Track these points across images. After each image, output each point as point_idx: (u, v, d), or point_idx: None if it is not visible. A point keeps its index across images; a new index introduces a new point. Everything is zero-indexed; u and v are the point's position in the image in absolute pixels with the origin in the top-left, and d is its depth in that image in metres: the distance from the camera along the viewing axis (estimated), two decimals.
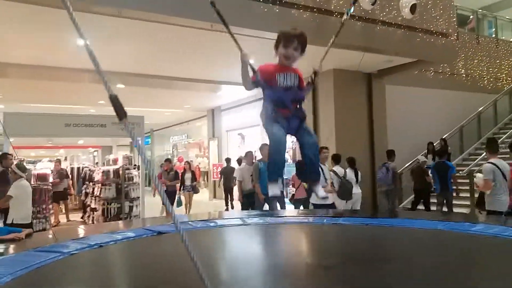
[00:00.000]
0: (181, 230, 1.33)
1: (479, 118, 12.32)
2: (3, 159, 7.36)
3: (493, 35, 14.30)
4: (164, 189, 9.85)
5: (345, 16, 2.81)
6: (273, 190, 2.28)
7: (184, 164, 11.71)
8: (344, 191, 7.11)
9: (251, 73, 2.38)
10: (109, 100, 1.16)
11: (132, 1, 5.37)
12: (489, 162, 5.26)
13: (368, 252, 2.96)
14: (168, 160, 10.94)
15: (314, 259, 2.40)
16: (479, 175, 5.40)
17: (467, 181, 9.03)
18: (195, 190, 11.20)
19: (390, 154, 9.05)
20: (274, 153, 2.27)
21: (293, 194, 8.02)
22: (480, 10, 14.38)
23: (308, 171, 2.39)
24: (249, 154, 8.38)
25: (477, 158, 10.34)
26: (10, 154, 7.44)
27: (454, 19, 9.25)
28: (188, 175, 10.95)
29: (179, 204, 10.76)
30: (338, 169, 7.38)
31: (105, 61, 8.16)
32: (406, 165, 10.25)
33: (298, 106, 2.37)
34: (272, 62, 2.44)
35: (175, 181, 10.35)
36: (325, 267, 2.46)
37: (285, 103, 2.32)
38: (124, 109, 1.16)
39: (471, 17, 13.91)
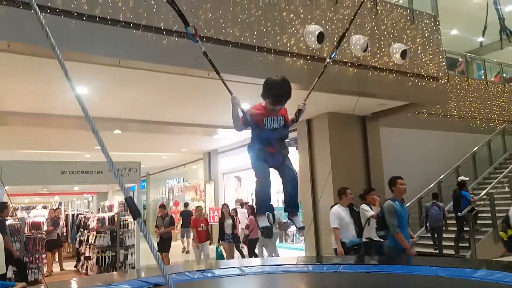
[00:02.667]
0: (170, 283, 1.32)
1: (474, 158, 12.40)
2: (4, 209, 7.29)
3: (482, 77, 14.70)
4: (159, 236, 9.66)
5: (328, 60, 3.04)
6: (263, 222, 2.42)
7: (222, 207, 9.74)
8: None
9: (241, 115, 2.60)
10: (124, 200, 1.24)
11: (132, 51, 5.50)
12: None
13: None
14: (162, 206, 10.65)
15: None
16: None
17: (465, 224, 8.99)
18: (235, 240, 9.39)
19: (436, 195, 9.94)
20: (260, 188, 2.45)
21: (248, 235, 9.35)
22: (468, 54, 14.85)
23: (287, 203, 2.57)
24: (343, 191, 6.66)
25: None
26: (7, 203, 7.38)
27: (444, 63, 9.52)
28: (228, 222, 9.30)
29: (220, 257, 9.39)
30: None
31: (102, 108, 8.33)
32: (406, 205, 10.17)
33: (282, 144, 2.62)
34: (261, 103, 2.65)
35: (170, 227, 9.96)
36: None
37: (271, 143, 2.56)
38: (138, 209, 1.25)
39: (460, 60, 14.35)
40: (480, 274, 3.39)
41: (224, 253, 9.50)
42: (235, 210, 10.77)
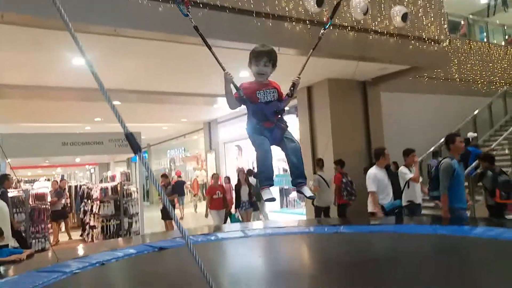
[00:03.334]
0: (190, 243, 1.35)
1: (475, 121, 12.39)
2: (5, 180, 7.36)
3: (485, 40, 14.47)
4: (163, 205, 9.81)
5: (322, 31, 2.93)
6: (267, 195, 2.40)
7: (238, 173, 9.28)
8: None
9: (234, 91, 2.56)
10: (125, 136, 1.25)
11: (128, 20, 5.41)
12: None
13: (372, 260, 2.96)
14: (164, 176, 10.77)
15: (317, 269, 2.41)
16: None
17: (466, 184, 9.04)
18: (254, 207, 9.04)
19: (436, 153, 10.40)
20: (262, 162, 2.43)
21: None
22: (471, 16, 14.57)
23: (293, 175, 2.52)
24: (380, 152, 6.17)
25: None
26: (9, 175, 7.44)
27: (445, 25, 9.35)
28: (244, 189, 8.94)
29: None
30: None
31: (101, 79, 8.26)
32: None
33: (279, 117, 2.57)
34: (251, 81, 2.62)
35: (173, 196, 10.12)
36: (328, 274, 2.46)
37: (267, 116, 2.51)
38: (139, 144, 1.24)
39: (462, 22, 14.09)
40: (478, 231, 3.46)
41: (241, 220, 9.03)
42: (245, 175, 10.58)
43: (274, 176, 2.46)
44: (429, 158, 10.69)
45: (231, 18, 6.12)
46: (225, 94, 2.59)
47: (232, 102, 2.57)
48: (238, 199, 8.94)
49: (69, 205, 11.18)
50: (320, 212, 8.52)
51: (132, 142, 1.20)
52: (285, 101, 2.63)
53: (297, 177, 2.52)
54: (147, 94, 9.48)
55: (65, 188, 11.47)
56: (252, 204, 8.84)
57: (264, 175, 2.43)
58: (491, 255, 2.96)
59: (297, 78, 2.74)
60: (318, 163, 8.95)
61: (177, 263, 3.32)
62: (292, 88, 2.69)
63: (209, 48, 2.63)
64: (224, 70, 2.55)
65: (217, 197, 8.83)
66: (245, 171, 9.04)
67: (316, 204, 8.39)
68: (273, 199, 2.39)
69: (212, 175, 9.63)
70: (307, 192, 2.50)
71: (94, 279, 2.96)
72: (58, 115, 11.56)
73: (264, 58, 2.50)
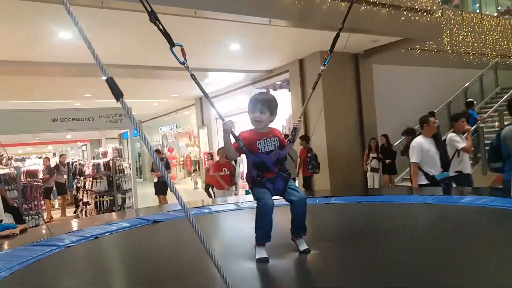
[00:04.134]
0: (190, 215, 1.36)
1: (466, 94, 12.44)
2: None
3: (477, 11, 14.37)
4: (156, 180, 9.82)
5: (322, 67, 2.84)
6: (260, 254, 2.27)
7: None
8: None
9: (233, 140, 2.43)
10: (106, 82, 1.19)
11: None
12: None
13: (362, 229, 3.01)
14: (157, 151, 10.74)
15: (309, 240, 2.44)
16: None
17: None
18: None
19: (431, 114, 10.20)
20: (262, 218, 2.29)
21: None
22: None
23: (296, 226, 2.40)
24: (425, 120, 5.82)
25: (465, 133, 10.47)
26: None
27: None
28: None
29: None
30: None
31: (88, 54, 8.10)
32: (395, 143, 10.35)
33: (280, 166, 2.44)
34: (251, 129, 2.48)
35: (167, 171, 10.10)
36: (320, 246, 2.50)
37: (268, 167, 2.38)
38: (120, 90, 1.19)
39: None
40: (467, 200, 3.52)
41: None
42: None
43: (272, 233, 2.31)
44: (421, 131, 10.75)
45: None
46: (224, 144, 2.47)
47: (231, 151, 2.43)
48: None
49: (65, 181, 11.14)
50: None
51: (113, 87, 1.15)
52: (287, 148, 2.51)
53: (298, 230, 2.41)
54: (136, 68, 9.35)
55: (65, 164, 11.42)
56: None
57: (262, 232, 2.29)
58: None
59: (297, 122, 2.64)
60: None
61: (170, 235, 3.35)
62: (293, 133, 2.58)
63: (207, 96, 2.54)
64: (223, 120, 2.41)
65: (224, 174, 8.16)
66: None
67: None
68: (267, 260, 2.24)
69: (218, 150, 8.81)
70: (302, 245, 2.37)
71: (89, 252, 2.98)
72: (47, 91, 11.40)
73: (258, 104, 2.39)
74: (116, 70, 9.17)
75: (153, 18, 2.30)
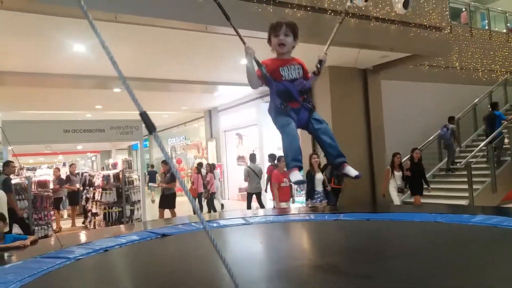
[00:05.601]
0: (208, 229, 1.38)
1: (475, 110, 12.37)
2: (5, 166, 7.40)
3: (486, 27, 14.37)
4: (162, 192, 9.72)
5: (348, 3, 2.87)
6: (295, 177, 2.21)
7: (311, 158, 7.05)
8: None
9: (256, 68, 2.35)
10: (139, 116, 1.24)
11: (128, 6, 5.38)
12: None
13: (371, 247, 3.00)
14: (164, 162, 10.57)
15: (318, 256, 2.44)
16: None
17: (465, 172, 9.09)
18: (328, 198, 7.17)
19: (451, 118, 10.79)
20: (289, 144, 2.24)
21: (208, 190, 10.40)
22: (472, 3, 14.45)
23: (332, 156, 2.32)
24: None
25: (474, 150, 10.39)
26: (12, 162, 7.48)
27: (447, 12, 9.30)
28: (319, 177, 7.03)
29: None
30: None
31: (101, 66, 8.24)
32: (403, 160, 10.29)
33: (305, 97, 2.36)
34: (272, 57, 2.40)
35: (172, 184, 9.73)
36: (329, 264, 2.50)
37: (292, 96, 2.30)
38: (153, 123, 1.24)
39: (464, 10, 13.98)
40: (478, 219, 3.49)
41: None
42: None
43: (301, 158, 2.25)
44: (428, 148, 10.73)
45: (231, 3, 6.06)
46: (247, 71, 2.37)
47: (254, 79, 2.35)
48: (312, 189, 7.06)
49: (78, 190, 11.10)
50: (251, 197, 9.78)
51: (147, 121, 1.20)
52: (311, 80, 2.44)
53: (337, 157, 2.31)
54: (147, 81, 9.45)
55: (76, 173, 11.46)
56: (327, 194, 7.10)
57: (291, 157, 2.23)
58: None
59: (324, 54, 2.54)
60: (251, 158, 10.32)
61: (179, 249, 3.37)
62: (318, 66, 2.49)
63: (228, 18, 2.49)
64: (244, 43, 2.36)
65: (285, 186, 7.23)
66: (315, 156, 7.15)
67: (247, 191, 9.83)
68: (303, 182, 2.20)
69: (279, 158, 7.70)
70: (352, 171, 2.29)
71: (98, 265, 3.00)
72: (59, 102, 11.55)
73: (283, 27, 2.32)
74: (128, 82, 9.25)
75: None
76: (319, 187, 6.94)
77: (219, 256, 1.34)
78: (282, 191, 7.21)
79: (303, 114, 2.32)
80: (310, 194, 6.89)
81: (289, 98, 2.30)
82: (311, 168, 6.97)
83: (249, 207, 10.15)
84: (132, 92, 1.25)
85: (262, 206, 10.11)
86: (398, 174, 8.06)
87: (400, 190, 8.10)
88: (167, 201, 9.52)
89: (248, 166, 10.09)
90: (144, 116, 1.20)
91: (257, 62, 2.33)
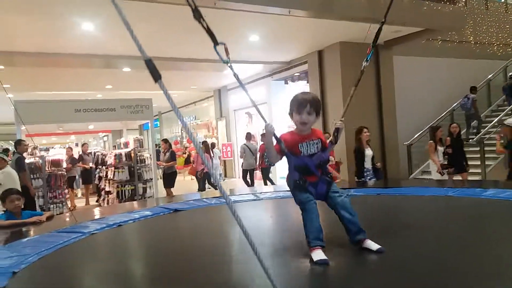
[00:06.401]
0: (230, 203, 1.40)
1: (489, 86, 12.16)
2: (17, 145, 7.52)
3: (502, 0, 13.96)
4: (162, 171, 9.71)
5: (364, 63, 2.76)
6: (318, 256, 2.10)
7: (360, 133, 6.45)
8: None
9: (274, 142, 2.34)
10: (144, 63, 1.23)
11: None
12: None
13: (381, 221, 3.01)
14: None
15: (327, 230, 2.44)
16: None
17: (478, 149, 9.01)
18: (378, 175, 6.47)
19: (473, 88, 11.00)
20: (310, 223, 2.21)
21: (203, 169, 10.37)
22: None
23: (351, 232, 2.26)
24: None
25: (487, 126, 10.26)
26: (24, 140, 7.59)
27: None
28: (368, 152, 6.41)
29: None
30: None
31: (110, 45, 8.21)
32: (415, 136, 10.22)
33: (323, 169, 2.35)
34: (292, 131, 2.39)
35: (172, 162, 9.66)
36: (339, 237, 2.51)
37: (310, 170, 2.30)
38: (158, 72, 1.24)
39: None
40: (490, 193, 3.47)
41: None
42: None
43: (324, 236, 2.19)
44: (441, 124, 10.60)
45: None
46: (266, 146, 2.39)
47: (273, 154, 2.34)
48: (361, 166, 6.45)
49: (92, 169, 11.26)
50: (246, 173, 10.71)
51: (152, 68, 1.20)
52: (329, 149, 2.41)
53: (356, 234, 2.25)
54: (157, 60, 9.18)
55: (89, 153, 11.60)
56: (376, 172, 6.45)
57: (313, 236, 2.17)
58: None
59: (340, 122, 2.51)
60: (246, 136, 11.20)
61: (191, 224, 3.41)
62: (336, 134, 2.46)
63: (242, 86, 2.46)
64: (265, 121, 2.33)
65: (331, 163, 6.44)
66: (366, 130, 6.57)
67: (243, 167, 10.79)
68: (327, 262, 2.07)
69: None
70: (373, 246, 2.19)
71: (112, 239, 3.06)
72: (69, 82, 11.62)
73: (307, 106, 2.29)
74: (138, 61, 9.28)
75: (197, 16, 2.24)
76: (368, 164, 6.37)
77: (242, 230, 1.34)
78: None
79: (321, 188, 2.31)
80: (359, 172, 6.37)
81: (307, 172, 2.30)
82: (359, 143, 6.43)
83: (246, 182, 10.77)
84: (136, 38, 1.24)
85: (253, 182, 10.85)
86: (440, 149, 7.41)
87: (446, 167, 7.35)
88: (167, 179, 9.59)
89: (244, 144, 10.90)
90: (149, 64, 1.19)
91: (277, 138, 2.33)
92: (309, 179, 2.30)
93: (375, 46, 2.77)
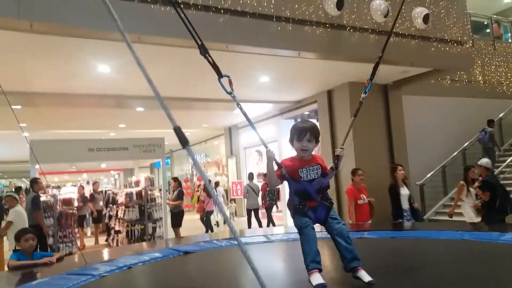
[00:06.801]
0: (242, 246, 1.39)
1: (501, 125, 12.12)
2: (34, 183, 7.60)
3: (510, 40, 14.15)
4: (168, 210, 9.65)
5: (363, 95, 2.83)
6: (316, 280, 2.16)
7: (394, 170, 6.20)
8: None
9: (275, 168, 2.45)
10: (173, 131, 1.30)
11: (151, 27, 5.53)
12: None
13: (395, 265, 2.94)
14: (174, 179, 10.27)
15: (342, 274, 2.40)
16: None
17: None
18: (416, 217, 6.00)
19: (490, 122, 11.16)
20: (308, 247, 2.27)
21: (204, 208, 10.90)
22: (494, 16, 14.29)
23: (346, 260, 2.30)
24: None
25: (500, 166, 10.14)
26: (39, 179, 7.68)
27: (468, 26, 9.21)
28: (404, 192, 6.02)
29: None
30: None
31: (125, 86, 8.42)
32: (428, 175, 10.12)
33: (323, 195, 2.43)
34: (293, 157, 2.50)
35: (178, 202, 9.56)
36: (354, 282, 2.45)
37: (311, 195, 2.38)
38: (186, 137, 1.30)
39: (495, 24, 13.81)
40: (508, 237, 3.38)
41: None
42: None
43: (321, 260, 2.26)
44: (452, 164, 10.53)
45: (251, 23, 6.18)
46: (267, 172, 2.48)
47: (273, 179, 2.44)
48: (398, 207, 5.93)
49: (102, 209, 11.31)
50: (250, 212, 10.88)
51: (180, 135, 1.25)
52: (329, 175, 2.49)
53: (351, 262, 2.28)
54: (169, 100, 9.62)
55: (100, 192, 11.69)
56: (414, 213, 5.92)
57: (310, 259, 2.24)
58: None
59: (340, 149, 2.61)
60: (249, 176, 11.60)
61: (201, 266, 3.37)
62: (336, 161, 2.55)
63: (250, 122, 2.68)
64: (266, 147, 2.48)
65: (363, 203, 6.12)
66: (400, 168, 6.15)
67: (246, 207, 11.02)
68: (324, 285, 2.12)
69: (355, 171, 6.36)
70: (365, 277, 2.21)
71: (122, 282, 3.03)
72: (84, 122, 11.86)
73: (307, 134, 2.41)
74: (151, 102, 9.50)
75: (204, 51, 2.44)
76: (405, 204, 5.87)
77: (254, 273, 1.33)
78: (360, 210, 6.02)
79: (321, 213, 2.38)
80: (397, 214, 5.85)
81: (307, 197, 2.38)
82: (394, 182, 6.02)
83: (249, 222, 10.91)
84: (166, 107, 1.30)
85: (259, 221, 10.88)
86: (473, 190, 6.86)
87: (480, 212, 6.72)
88: (174, 219, 9.50)
89: (247, 184, 11.21)
90: (177, 131, 1.25)
91: (277, 163, 2.45)
92: (309, 203, 2.37)
93: (373, 80, 2.90)
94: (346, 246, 2.29)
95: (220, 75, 2.54)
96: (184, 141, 1.26)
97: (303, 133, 2.42)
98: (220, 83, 2.52)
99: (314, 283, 2.14)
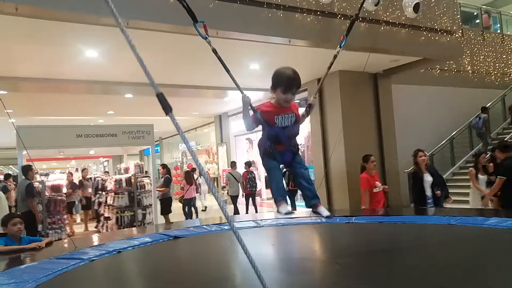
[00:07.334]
0: (236, 230, 1.41)
1: (488, 114, 12.27)
2: (28, 170, 7.49)
3: (498, 31, 14.27)
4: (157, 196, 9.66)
5: (338, 48, 2.97)
6: (284, 209, 2.45)
7: (417, 156, 5.75)
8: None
9: (251, 113, 2.58)
10: (156, 97, 1.28)
11: (140, 12, 5.47)
12: None
13: (383, 249, 2.99)
14: (162, 165, 10.32)
15: (331, 257, 2.45)
16: None
17: None
18: (438, 203, 5.65)
19: (483, 109, 11.65)
20: (275, 185, 2.54)
21: (183, 196, 10.82)
22: (484, 7, 14.37)
23: (307, 198, 2.56)
24: None
25: (487, 154, 10.28)
26: (32, 166, 7.59)
27: (458, 16, 9.26)
28: (427, 178, 5.66)
29: None
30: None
31: (113, 72, 8.33)
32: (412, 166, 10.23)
33: (292, 141, 2.62)
34: (271, 102, 2.60)
35: (164, 189, 9.62)
36: (342, 264, 2.50)
37: (281, 140, 2.54)
38: (169, 104, 1.28)
39: (484, 14, 13.90)
40: (492, 222, 3.45)
41: None
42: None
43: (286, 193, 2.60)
44: (441, 152, 10.67)
45: (241, 9, 6.14)
46: (243, 116, 2.62)
47: (249, 124, 2.58)
48: (421, 193, 5.59)
49: (91, 195, 11.24)
50: (236, 199, 11.47)
51: (163, 102, 1.24)
52: (300, 122, 2.65)
53: (312, 198, 2.57)
54: (159, 87, 9.51)
55: (89, 178, 11.60)
56: (436, 200, 5.57)
57: (278, 193, 2.53)
58: None
59: (313, 98, 2.76)
60: (231, 164, 12.10)
61: (190, 251, 3.39)
62: (308, 109, 2.72)
63: (227, 70, 2.78)
64: (242, 93, 2.59)
65: (377, 191, 5.83)
66: (422, 154, 5.76)
67: (230, 194, 11.53)
68: (292, 212, 2.51)
69: (366, 157, 6.00)
70: (324, 212, 2.54)
71: (112, 266, 3.03)
72: (71, 108, 11.73)
73: (294, 88, 2.50)
74: (140, 87, 9.41)
75: None
76: (428, 191, 5.53)
77: (248, 257, 1.35)
78: (375, 198, 5.75)
79: (287, 157, 2.60)
80: (420, 200, 5.55)
81: (277, 142, 2.55)
82: (417, 168, 5.69)
83: (235, 208, 11.31)
84: (149, 73, 1.28)
85: (236, 208, 11.39)
86: (482, 178, 6.71)
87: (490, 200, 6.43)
88: (162, 206, 9.56)
89: (229, 172, 11.70)
90: (160, 97, 1.23)
91: (253, 108, 2.59)
92: (278, 148, 2.56)
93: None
94: (307, 186, 2.54)
95: (195, 19, 2.60)
96: (167, 108, 1.23)
97: (290, 87, 2.49)
98: (195, 28, 2.58)
99: (283, 212, 2.42)
